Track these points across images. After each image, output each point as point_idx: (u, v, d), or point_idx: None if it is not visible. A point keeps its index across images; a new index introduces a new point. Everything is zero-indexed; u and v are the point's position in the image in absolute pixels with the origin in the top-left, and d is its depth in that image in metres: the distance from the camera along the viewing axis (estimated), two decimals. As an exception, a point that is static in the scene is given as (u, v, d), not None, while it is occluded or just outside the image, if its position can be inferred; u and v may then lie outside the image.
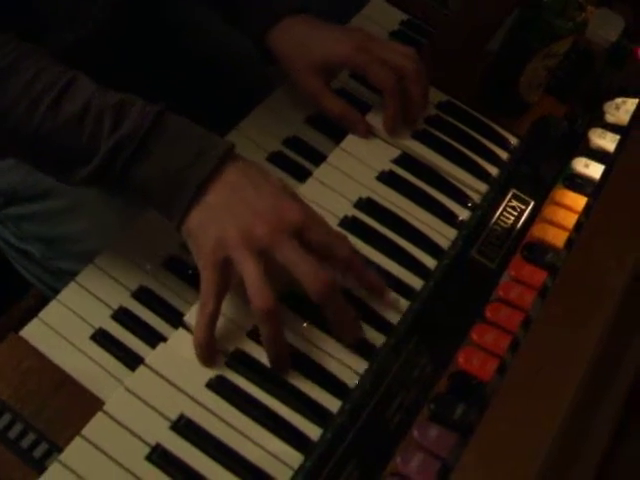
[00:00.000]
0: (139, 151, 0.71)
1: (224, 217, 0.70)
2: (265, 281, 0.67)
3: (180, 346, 0.71)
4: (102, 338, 0.74)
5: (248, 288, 0.68)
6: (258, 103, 0.95)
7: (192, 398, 0.68)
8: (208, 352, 0.70)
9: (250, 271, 0.68)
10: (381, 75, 0.86)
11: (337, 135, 0.90)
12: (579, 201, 0.75)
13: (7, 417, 0.70)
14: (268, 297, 0.67)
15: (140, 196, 0.74)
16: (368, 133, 0.88)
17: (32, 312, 0.78)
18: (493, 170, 0.89)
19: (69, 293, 0.77)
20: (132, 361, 0.72)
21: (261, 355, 0.71)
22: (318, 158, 0.89)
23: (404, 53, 0.89)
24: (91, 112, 0.71)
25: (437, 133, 0.91)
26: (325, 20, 0.93)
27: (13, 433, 0.69)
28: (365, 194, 0.84)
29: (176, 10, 1.15)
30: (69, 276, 0.89)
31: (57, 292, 0.97)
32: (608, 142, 0.82)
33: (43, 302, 0.97)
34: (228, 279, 0.70)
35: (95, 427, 0.66)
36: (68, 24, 0.93)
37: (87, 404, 0.70)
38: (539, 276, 0.67)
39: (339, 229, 0.80)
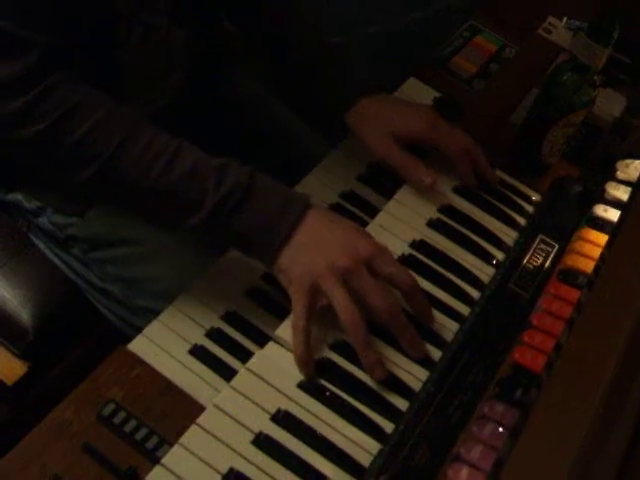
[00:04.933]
0: (239, 204, 0.87)
1: (310, 253, 0.86)
2: (350, 299, 0.83)
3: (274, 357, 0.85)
4: (199, 352, 0.87)
5: (338, 306, 0.83)
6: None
7: (288, 397, 0.81)
8: (308, 365, 0.84)
9: (338, 293, 0.83)
10: (452, 147, 1.05)
11: (385, 190, 1.06)
12: (601, 238, 0.92)
13: (122, 414, 0.81)
14: (354, 311, 0.82)
15: (237, 241, 0.90)
16: (434, 184, 1.03)
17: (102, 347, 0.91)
18: (522, 220, 1.05)
19: (168, 314, 0.90)
20: (225, 371, 0.85)
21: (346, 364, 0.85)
22: (370, 210, 1.04)
23: (461, 133, 1.07)
24: (198, 172, 0.87)
25: (473, 190, 1.07)
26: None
27: (128, 428, 0.80)
28: (418, 237, 0.99)
29: (237, 88, 1.32)
30: (148, 313, 1.03)
31: (134, 327, 1.11)
32: (622, 193, 0.98)
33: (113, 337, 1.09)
34: (315, 302, 0.85)
35: (208, 418, 0.79)
36: (145, 96, 1.10)
37: (188, 407, 0.83)
38: (574, 294, 0.83)
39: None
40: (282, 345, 0.86)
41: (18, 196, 1.13)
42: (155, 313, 0.91)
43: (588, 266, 0.86)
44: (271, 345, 0.86)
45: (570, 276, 0.86)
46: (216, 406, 0.80)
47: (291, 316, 0.85)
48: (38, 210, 1.12)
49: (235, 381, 0.82)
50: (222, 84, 1.31)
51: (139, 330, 0.89)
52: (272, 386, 0.82)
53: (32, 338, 1.14)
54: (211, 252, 0.98)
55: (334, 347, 0.86)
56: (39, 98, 0.86)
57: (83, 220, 1.10)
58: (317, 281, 0.84)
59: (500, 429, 0.70)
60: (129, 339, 0.88)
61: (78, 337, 1.22)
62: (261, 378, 0.82)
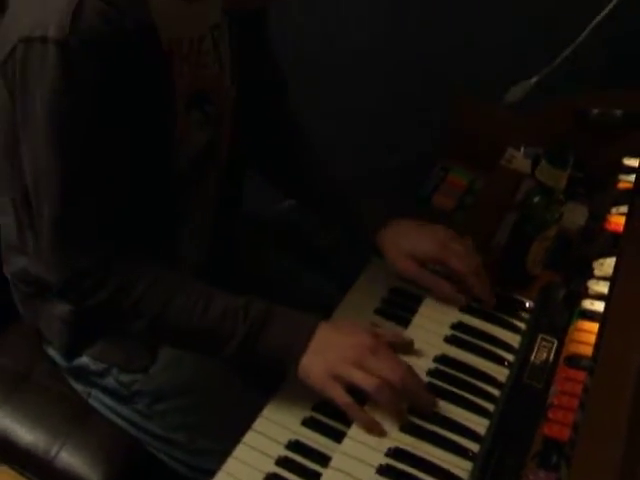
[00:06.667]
0: (263, 329, 1.09)
1: (323, 354, 1.07)
2: (366, 372, 1.05)
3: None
4: (273, 480, 1.01)
5: (359, 381, 1.04)
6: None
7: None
8: (375, 425, 1.05)
9: (355, 372, 1.05)
10: (461, 267, 1.24)
11: (400, 319, 1.24)
12: (594, 326, 1.10)
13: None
14: (373, 379, 1.04)
15: (266, 359, 1.10)
16: (455, 297, 1.24)
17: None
18: (522, 325, 1.23)
19: (240, 451, 1.04)
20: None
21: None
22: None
23: (469, 254, 1.27)
24: (229, 310, 1.09)
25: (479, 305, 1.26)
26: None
27: None
28: (439, 352, 1.17)
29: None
30: (213, 453, 1.17)
31: (198, 469, 1.25)
32: (602, 287, 1.17)
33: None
34: (342, 386, 1.05)
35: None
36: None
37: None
38: (581, 375, 1.01)
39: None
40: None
41: (84, 360, 1.29)
42: (220, 453, 1.06)
43: (587, 350, 1.05)
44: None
45: (574, 361, 1.05)
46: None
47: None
48: (104, 371, 1.28)
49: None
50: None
51: (204, 472, 1.06)
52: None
53: (105, 498, 1.26)
54: (267, 391, 1.14)
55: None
56: (101, 281, 1.09)
57: (147, 375, 1.27)
58: (334, 372, 1.05)
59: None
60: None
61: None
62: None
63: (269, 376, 1.15)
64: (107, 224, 1.09)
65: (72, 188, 1.05)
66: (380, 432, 1.04)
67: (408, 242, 1.28)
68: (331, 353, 1.07)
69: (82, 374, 1.31)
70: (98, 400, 1.32)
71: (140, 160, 1.10)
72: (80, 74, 0.99)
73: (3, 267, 1.31)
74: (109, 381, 1.28)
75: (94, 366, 1.29)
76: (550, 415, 0.97)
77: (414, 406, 1.07)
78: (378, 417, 1.06)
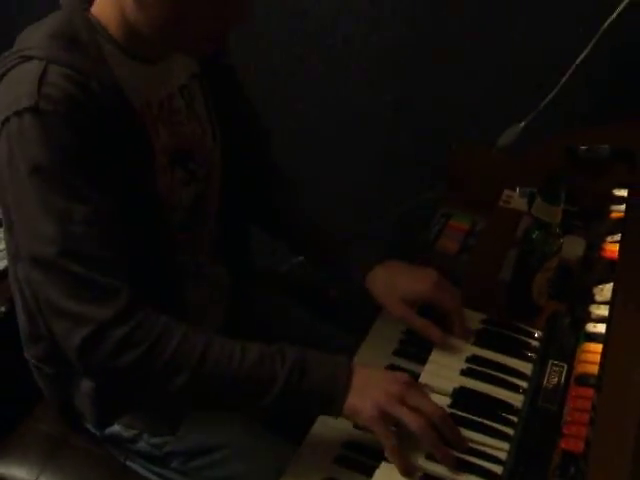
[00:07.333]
0: (303, 372, 1.13)
1: (369, 391, 1.12)
2: (413, 411, 1.09)
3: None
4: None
5: (407, 420, 1.09)
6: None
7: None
8: (411, 471, 1.08)
9: (402, 412, 1.09)
10: (452, 305, 1.32)
11: (418, 358, 1.31)
12: (599, 347, 1.18)
13: None
14: (421, 419, 1.08)
15: (309, 403, 1.14)
16: (444, 339, 1.30)
17: None
18: (532, 353, 1.30)
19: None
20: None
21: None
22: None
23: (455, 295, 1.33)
24: (265, 357, 1.13)
25: (491, 338, 1.33)
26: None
27: None
28: (457, 385, 1.25)
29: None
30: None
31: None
32: (603, 311, 1.25)
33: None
34: (389, 424, 1.10)
35: None
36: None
37: None
38: (590, 392, 1.09)
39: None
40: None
41: (116, 428, 1.35)
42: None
43: (594, 369, 1.14)
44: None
45: (583, 379, 1.14)
46: None
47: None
48: (135, 437, 1.34)
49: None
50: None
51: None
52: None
53: None
54: (292, 438, 1.22)
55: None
56: (129, 335, 1.10)
57: (176, 437, 1.33)
58: (384, 409, 1.09)
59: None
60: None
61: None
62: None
63: (292, 424, 1.21)
64: (114, 277, 1.10)
65: (70, 236, 1.07)
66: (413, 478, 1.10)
67: (402, 285, 1.34)
68: (375, 390, 1.11)
69: (116, 441, 1.37)
70: (135, 462, 1.38)
71: (130, 212, 1.14)
72: (56, 133, 1.05)
73: (24, 351, 1.34)
74: (142, 445, 1.34)
75: (126, 433, 1.35)
76: (565, 430, 1.04)
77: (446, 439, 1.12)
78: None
